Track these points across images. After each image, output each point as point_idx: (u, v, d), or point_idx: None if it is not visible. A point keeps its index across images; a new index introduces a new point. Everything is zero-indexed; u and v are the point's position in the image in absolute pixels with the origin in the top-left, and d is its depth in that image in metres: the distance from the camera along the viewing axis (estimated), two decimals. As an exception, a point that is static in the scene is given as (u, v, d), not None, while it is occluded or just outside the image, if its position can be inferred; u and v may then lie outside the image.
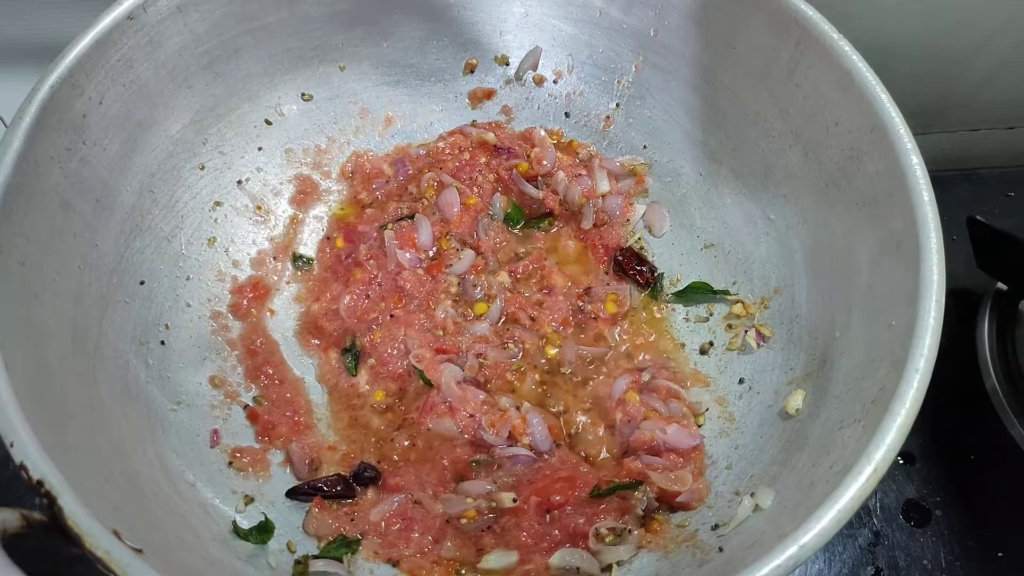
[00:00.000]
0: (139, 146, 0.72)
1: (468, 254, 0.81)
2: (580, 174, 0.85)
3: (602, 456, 0.72)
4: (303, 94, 0.84)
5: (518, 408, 0.73)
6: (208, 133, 0.79)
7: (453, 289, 0.79)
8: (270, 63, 0.80)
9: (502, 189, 0.85)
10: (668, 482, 0.66)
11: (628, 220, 0.85)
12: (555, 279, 0.81)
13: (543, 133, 0.88)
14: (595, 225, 0.84)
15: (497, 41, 0.88)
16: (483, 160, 0.86)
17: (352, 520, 0.69)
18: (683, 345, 0.78)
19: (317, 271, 0.83)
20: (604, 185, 0.85)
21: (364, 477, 0.71)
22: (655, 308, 0.80)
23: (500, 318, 0.79)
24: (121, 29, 0.67)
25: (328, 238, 0.85)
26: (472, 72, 0.89)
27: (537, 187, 0.85)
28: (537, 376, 0.76)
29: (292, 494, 0.70)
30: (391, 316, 0.78)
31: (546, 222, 0.85)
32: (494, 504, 0.68)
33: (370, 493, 0.71)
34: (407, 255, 0.80)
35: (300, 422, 0.74)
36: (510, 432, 0.71)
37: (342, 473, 0.71)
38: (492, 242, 0.83)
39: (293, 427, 0.74)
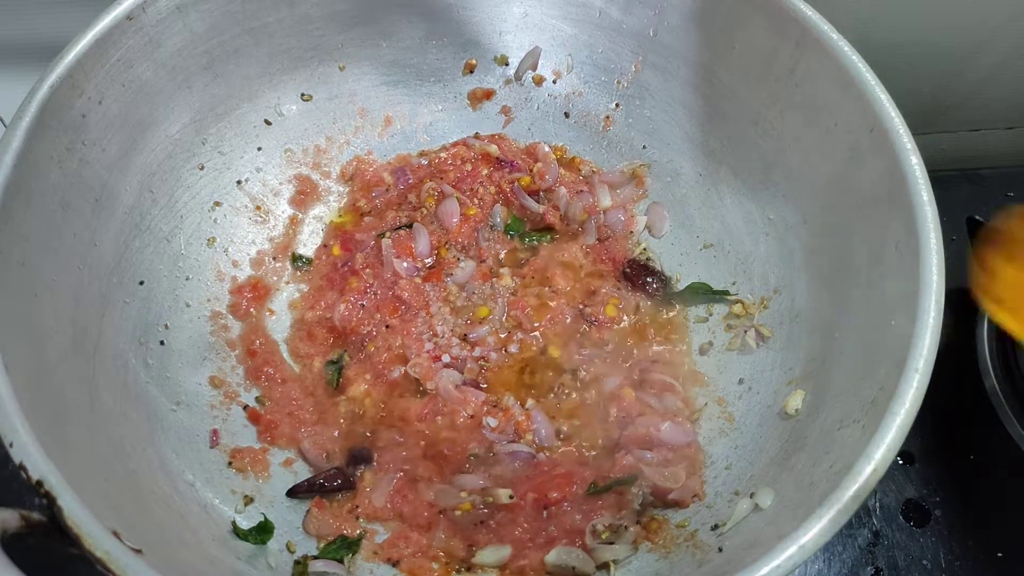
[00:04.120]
0: (138, 146, 0.72)
1: (469, 264, 0.81)
2: (582, 190, 0.85)
3: (598, 453, 0.72)
4: (303, 94, 0.84)
5: (522, 404, 0.73)
6: (207, 133, 0.79)
7: (452, 297, 0.79)
8: (270, 63, 0.80)
9: (503, 201, 0.85)
10: (661, 479, 0.67)
11: (632, 232, 0.85)
12: (557, 282, 0.81)
13: (547, 148, 0.88)
14: (599, 239, 0.84)
15: (497, 41, 0.88)
16: (485, 172, 0.86)
17: (356, 516, 0.69)
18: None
19: (313, 278, 0.83)
20: (606, 200, 0.85)
21: (359, 458, 0.71)
22: (664, 311, 0.80)
23: (502, 319, 0.79)
24: (121, 29, 0.67)
25: (325, 246, 0.84)
26: (472, 72, 0.89)
27: (539, 201, 0.85)
28: (537, 376, 0.76)
29: (293, 493, 0.70)
30: (387, 327, 0.78)
31: (548, 236, 0.85)
32: (490, 499, 0.68)
33: (367, 477, 0.71)
34: (404, 264, 0.80)
35: (306, 419, 0.74)
36: (514, 428, 0.72)
37: (338, 466, 0.72)
38: (493, 250, 0.83)
39: (297, 426, 0.74)
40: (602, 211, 0.85)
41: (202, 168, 0.79)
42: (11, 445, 0.48)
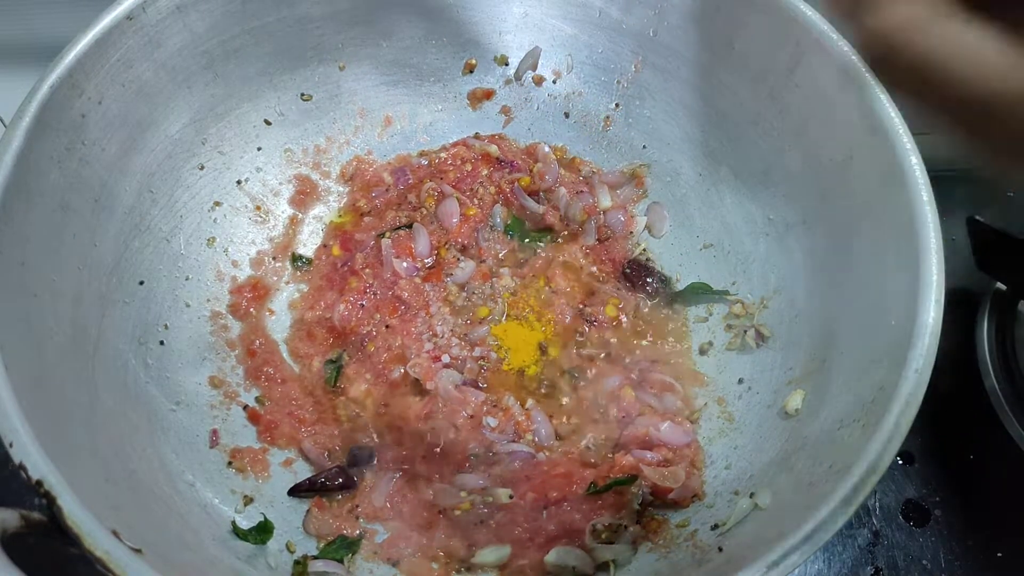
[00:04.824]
0: (138, 146, 0.72)
1: (469, 264, 0.81)
2: (582, 191, 0.85)
3: (597, 452, 0.72)
4: (302, 94, 0.84)
5: (522, 404, 0.73)
6: (207, 133, 0.79)
7: (452, 297, 0.79)
8: (269, 63, 0.80)
9: (503, 202, 0.85)
10: (660, 478, 0.67)
11: (631, 232, 0.85)
12: (557, 282, 0.81)
13: (547, 149, 0.88)
14: (599, 240, 0.84)
15: (496, 41, 0.88)
16: (485, 172, 0.86)
17: (356, 516, 0.69)
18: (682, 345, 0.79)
19: (313, 278, 0.83)
20: (606, 200, 0.85)
21: (359, 457, 0.71)
22: (664, 311, 0.80)
23: (502, 319, 0.79)
24: (121, 29, 0.67)
25: (324, 246, 0.84)
26: (471, 72, 0.89)
27: (539, 202, 0.85)
28: (537, 376, 0.76)
29: (294, 491, 0.70)
30: (387, 327, 0.78)
31: (547, 237, 0.85)
32: (490, 499, 0.68)
33: (368, 477, 0.71)
34: (404, 264, 0.80)
35: (306, 419, 0.74)
36: (514, 428, 0.72)
37: (340, 464, 0.72)
38: (493, 250, 0.83)
39: (297, 426, 0.74)
40: (602, 211, 0.85)
41: (202, 168, 0.79)
42: (11, 445, 0.48)
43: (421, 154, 0.89)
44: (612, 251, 0.83)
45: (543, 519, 0.67)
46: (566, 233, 0.84)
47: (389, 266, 0.80)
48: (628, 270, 0.82)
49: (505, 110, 0.90)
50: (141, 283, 0.72)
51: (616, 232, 0.84)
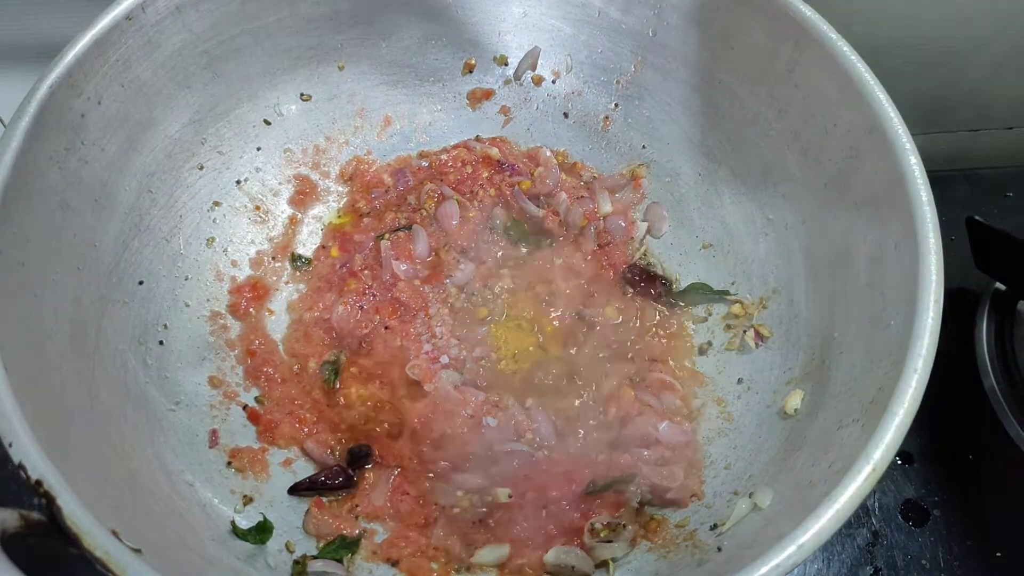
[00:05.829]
0: (138, 146, 0.72)
1: (469, 266, 0.81)
2: (582, 196, 0.85)
3: (597, 452, 0.72)
4: (302, 94, 0.85)
5: (522, 404, 0.73)
6: (207, 133, 0.79)
7: (452, 299, 0.79)
8: (269, 63, 0.80)
9: (503, 204, 0.85)
10: (659, 478, 0.67)
11: (632, 237, 0.84)
12: (557, 284, 0.81)
13: (548, 153, 0.88)
14: (600, 245, 0.84)
15: (496, 41, 0.88)
16: (485, 175, 0.86)
17: (355, 516, 0.69)
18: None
19: (312, 279, 0.83)
20: (607, 206, 0.85)
21: (359, 457, 0.71)
22: (664, 311, 0.80)
23: (501, 320, 0.79)
24: (120, 29, 0.67)
25: (323, 247, 0.84)
26: (471, 72, 0.89)
27: (539, 206, 0.85)
28: (537, 376, 0.76)
29: (294, 490, 0.70)
30: (386, 328, 0.78)
31: (547, 241, 0.84)
32: (489, 498, 0.68)
33: (367, 476, 0.71)
34: (403, 266, 0.80)
35: (305, 419, 0.74)
36: (514, 427, 0.72)
37: (340, 464, 0.72)
38: (493, 252, 0.83)
39: (296, 426, 0.74)
40: (602, 217, 0.85)
41: (201, 168, 0.79)
42: (10, 445, 0.48)
43: (421, 155, 0.89)
44: (612, 256, 0.83)
45: (542, 518, 0.67)
46: (566, 237, 0.84)
47: (388, 268, 0.80)
48: (628, 274, 0.82)
49: (504, 110, 0.90)
50: (141, 283, 0.72)
51: (616, 238, 0.84)
